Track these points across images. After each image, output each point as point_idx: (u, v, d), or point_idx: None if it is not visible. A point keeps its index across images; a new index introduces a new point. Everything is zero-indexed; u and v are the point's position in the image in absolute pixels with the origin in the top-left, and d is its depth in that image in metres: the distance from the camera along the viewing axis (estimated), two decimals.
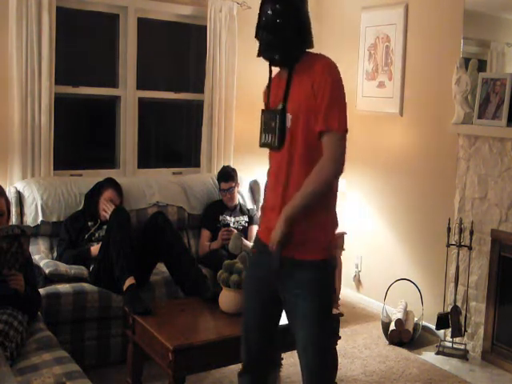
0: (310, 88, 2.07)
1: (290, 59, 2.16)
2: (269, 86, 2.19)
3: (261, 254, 2.25)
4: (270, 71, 2.23)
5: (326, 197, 2.14)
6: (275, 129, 2.13)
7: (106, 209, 3.69)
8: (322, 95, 2.04)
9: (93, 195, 3.82)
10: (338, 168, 2.07)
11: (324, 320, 2.16)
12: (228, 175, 4.16)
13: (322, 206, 2.13)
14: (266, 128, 2.18)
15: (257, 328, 2.29)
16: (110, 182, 3.87)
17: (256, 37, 2.24)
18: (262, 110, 2.22)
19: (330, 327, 2.25)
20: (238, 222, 4.17)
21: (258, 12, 2.20)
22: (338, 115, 2.06)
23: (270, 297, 2.22)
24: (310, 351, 2.14)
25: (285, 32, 2.13)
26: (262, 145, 2.21)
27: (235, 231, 3.97)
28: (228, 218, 4.15)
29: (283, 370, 3.49)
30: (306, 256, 2.12)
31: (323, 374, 2.19)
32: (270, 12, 2.13)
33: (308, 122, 2.09)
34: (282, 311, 2.27)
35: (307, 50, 2.19)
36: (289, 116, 2.12)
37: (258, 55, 2.23)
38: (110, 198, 3.77)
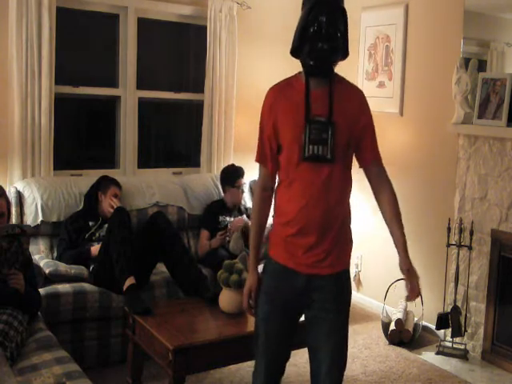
0: (359, 112, 2.16)
1: (333, 70, 2.14)
2: (308, 97, 2.08)
3: (283, 278, 2.18)
4: (308, 82, 2.10)
5: (350, 211, 2.23)
6: (327, 140, 2.06)
7: (114, 204, 3.72)
8: (370, 128, 2.21)
9: (95, 195, 3.82)
10: None
11: (347, 327, 2.22)
12: (242, 171, 4.21)
13: (349, 220, 2.23)
14: (314, 139, 2.07)
15: (283, 341, 2.27)
16: (111, 180, 3.88)
17: (295, 52, 2.13)
18: (309, 121, 2.07)
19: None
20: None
21: (302, 23, 2.07)
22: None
23: (292, 316, 2.23)
24: (339, 362, 2.20)
25: (339, 42, 2.08)
26: (309, 157, 2.07)
27: (236, 233, 3.97)
28: (228, 218, 4.15)
29: None
30: (335, 269, 2.15)
31: (341, 379, 2.25)
32: (324, 21, 2.03)
33: (348, 142, 2.13)
34: (297, 325, 2.27)
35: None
36: (338, 129, 2.09)
37: (314, 67, 2.08)
38: (115, 194, 3.81)
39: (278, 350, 2.27)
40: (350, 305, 2.23)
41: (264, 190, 2.24)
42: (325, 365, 2.16)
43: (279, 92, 2.16)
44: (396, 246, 2.25)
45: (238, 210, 4.24)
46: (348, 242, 2.21)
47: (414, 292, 2.15)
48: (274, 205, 2.23)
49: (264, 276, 2.24)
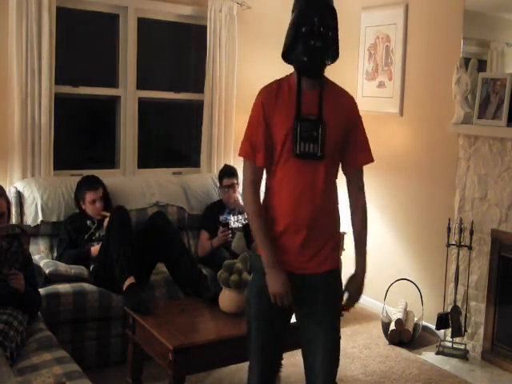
0: (348, 114, 2.20)
1: (323, 71, 2.18)
2: (299, 95, 2.14)
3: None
4: (300, 80, 2.14)
5: (339, 217, 2.30)
6: (318, 138, 2.12)
7: (97, 211, 3.70)
8: (358, 129, 2.24)
9: (78, 203, 3.78)
10: None
11: (338, 324, 2.25)
12: (231, 171, 4.21)
13: (338, 221, 2.29)
14: (305, 137, 2.12)
15: (275, 341, 2.28)
16: (83, 185, 3.77)
17: (286, 54, 2.18)
18: (299, 118, 2.13)
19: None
20: (238, 220, 4.17)
21: (294, 23, 2.13)
22: (370, 150, 2.29)
23: (283, 313, 2.24)
24: (333, 354, 2.20)
25: (331, 40, 2.14)
26: (300, 154, 2.12)
27: (238, 233, 3.97)
28: (228, 217, 4.14)
29: (283, 370, 3.48)
30: (322, 269, 2.19)
31: (335, 372, 2.25)
32: (317, 19, 2.09)
33: (337, 142, 2.18)
34: (289, 320, 2.30)
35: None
36: (328, 128, 2.14)
37: (307, 63, 2.11)
38: (92, 199, 3.72)
39: (270, 347, 2.28)
40: (340, 304, 2.27)
41: (255, 184, 2.22)
42: (319, 357, 2.17)
43: (271, 92, 2.19)
44: (355, 271, 2.30)
45: (238, 210, 4.24)
46: (336, 243, 2.26)
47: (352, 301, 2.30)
48: (263, 200, 2.24)
49: (254, 274, 2.27)
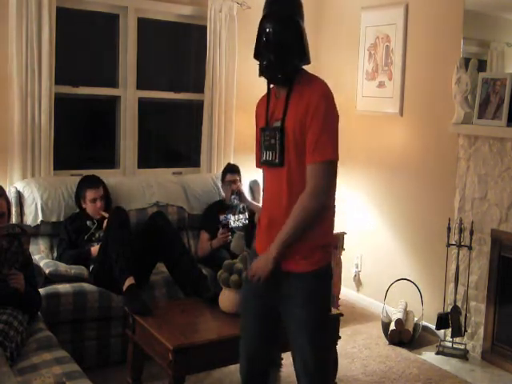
0: (305, 112, 2.08)
1: (290, 78, 2.16)
2: (268, 104, 2.20)
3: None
4: (269, 89, 2.22)
5: (320, 216, 2.15)
6: (275, 146, 2.13)
7: (97, 210, 3.70)
8: (314, 124, 2.06)
9: (78, 202, 3.78)
10: (320, 201, 2.09)
11: (320, 327, 2.19)
12: (234, 169, 4.24)
13: (316, 225, 2.14)
14: (266, 146, 2.18)
15: (256, 335, 2.29)
16: (84, 183, 3.78)
17: (255, 57, 2.24)
18: (262, 129, 2.21)
19: (326, 335, 2.26)
20: (238, 220, 4.16)
21: (258, 31, 2.19)
22: (326, 145, 2.07)
23: (268, 305, 2.24)
24: (308, 360, 2.17)
25: (286, 51, 2.12)
26: (263, 162, 2.21)
27: (239, 232, 3.97)
28: (228, 217, 4.14)
29: (283, 370, 3.49)
30: (301, 268, 2.13)
31: (321, 377, 2.22)
32: (270, 31, 2.11)
33: (298, 143, 2.11)
34: (277, 322, 2.28)
35: (304, 68, 2.21)
36: (287, 133, 2.13)
37: (260, 75, 2.21)
38: (93, 198, 3.73)
39: (255, 341, 2.30)
40: (323, 307, 2.21)
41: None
42: (297, 361, 2.20)
43: (260, 102, 2.34)
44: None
45: (240, 209, 4.23)
46: (317, 245, 2.15)
47: (251, 270, 2.17)
48: None
49: (244, 281, 2.35)
